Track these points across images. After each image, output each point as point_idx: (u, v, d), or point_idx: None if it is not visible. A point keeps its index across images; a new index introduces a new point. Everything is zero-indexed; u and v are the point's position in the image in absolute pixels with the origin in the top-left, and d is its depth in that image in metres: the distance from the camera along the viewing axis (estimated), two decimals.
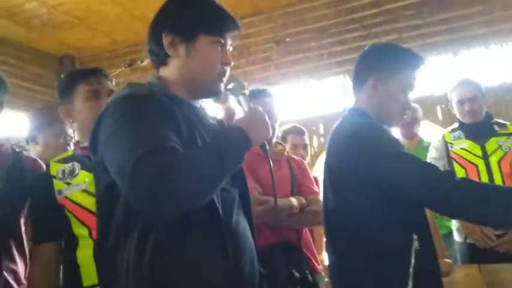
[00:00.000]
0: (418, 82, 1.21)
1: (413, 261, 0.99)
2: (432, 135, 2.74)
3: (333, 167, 1.14)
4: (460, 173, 2.05)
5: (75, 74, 1.44)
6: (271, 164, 1.04)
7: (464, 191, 0.97)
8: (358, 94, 1.22)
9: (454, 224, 2.16)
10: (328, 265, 1.18)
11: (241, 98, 1.03)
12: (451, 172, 1.02)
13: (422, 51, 3.98)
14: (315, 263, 1.62)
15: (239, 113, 1.05)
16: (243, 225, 0.94)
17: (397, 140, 1.14)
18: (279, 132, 2.56)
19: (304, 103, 4.32)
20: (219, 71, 0.98)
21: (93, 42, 4.70)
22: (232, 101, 1.10)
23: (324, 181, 1.19)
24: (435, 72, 3.98)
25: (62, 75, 1.44)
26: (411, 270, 0.98)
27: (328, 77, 4.26)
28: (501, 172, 1.96)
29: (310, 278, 1.44)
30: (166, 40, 0.95)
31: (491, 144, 2.03)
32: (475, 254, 1.99)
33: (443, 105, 3.64)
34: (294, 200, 1.54)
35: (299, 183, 1.67)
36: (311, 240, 1.69)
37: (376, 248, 1.03)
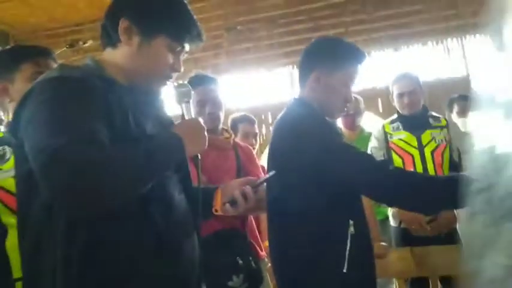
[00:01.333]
0: (360, 76, 1.26)
1: (349, 244, 1.04)
2: (373, 126, 2.88)
3: (277, 155, 1.17)
4: (397, 161, 2.18)
5: (21, 49, 1.31)
6: (201, 176, 1.03)
7: (398, 180, 1.04)
8: (303, 85, 1.25)
9: (390, 210, 2.30)
10: (269, 250, 1.21)
11: (184, 105, 1.01)
12: (387, 162, 1.08)
13: (367, 46, 4.15)
14: (259, 250, 1.65)
15: None
16: (184, 210, 0.93)
17: (338, 131, 1.18)
18: (228, 120, 2.57)
19: (253, 92, 4.35)
20: (165, 74, 0.94)
21: (30, 18, 4.36)
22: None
23: (268, 168, 1.22)
24: (378, 66, 4.17)
25: None
26: (347, 253, 1.04)
27: (277, 67, 4.31)
28: (434, 162, 2.11)
29: (253, 264, 1.47)
30: (122, 24, 0.90)
31: (426, 136, 2.16)
32: (407, 238, 2.13)
33: (384, 98, 3.83)
34: None
35: (246, 170, 1.69)
36: (255, 226, 1.72)
37: (315, 232, 1.07)
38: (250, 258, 1.49)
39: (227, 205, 1.00)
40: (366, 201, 2.27)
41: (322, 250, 1.06)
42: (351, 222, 1.07)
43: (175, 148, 0.85)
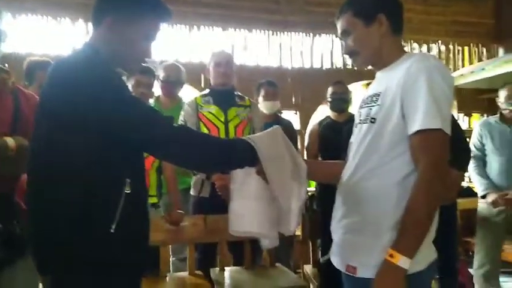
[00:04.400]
0: (159, 34, 1.18)
1: (122, 204, 0.98)
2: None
3: (49, 103, 1.00)
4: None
5: None
6: None
7: (178, 136, 1.02)
8: (96, 30, 1.11)
9: (192, 180, 2.37)
10: (29, 208, 1.04)
11: None
12: (171, 118, 1.05)
13: (196, 20, 4.16)
14: None
15: None
16: None
17: (125, 84, 1.09)
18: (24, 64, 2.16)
19: (57, 41, 3.84)
20: None
21: None
22: None
23: (36, 116, 1.04)
24: (206, 42, 4.23)
25: None
26: (118, 213, 0.98)
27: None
28: (235, 136, 2.28)
29: (18, 230, 1.27)
30: None
31: (232, 112, 2.32)
32: (203, 207, 2.24)
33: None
34: (10, 140, 1.31)
35: (25, 119, 1.43)
36: None
37: (87, 188, 0.96)
38: (15, 222, 1.27)
39: None
40: (168, 170, 2.31)
41: (91, 208, 0.96)
42: (128, 180, 1.01)
43: None
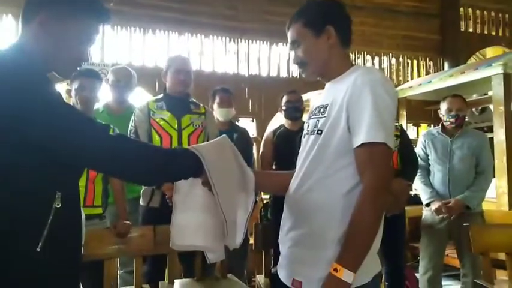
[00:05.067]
0: (98, 37, 1.10)
1: (50, 220, 0.90)
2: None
3: None
4: (156, 140, 2.17)
5: None
6: None
7: (114, 148, 0.94)
8: (26, 28, 1.01)
9: (142, 189, 2.27)
10: None
11: None
12: (107, 128, 0.97)
13: (152, 23, 4.05)
14: None
15: None
16: None
17: (55, 90, 1.00)
18: None
19: None
20: None
21: None
22: None
23: None
24: (161, 47, 4.13)
25: None
26: (46, 229, 0.89)
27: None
28: (189, 145, 2.20)
29: None
30: None
31: (186, 119, 2.24)
32: (152, 217, 2.15)
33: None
34: None
35: None
36: None
37: (4, 202, 0.87)
38: None
39: None
40: (116, 179, 2.19)
41: (12, 224, 0.87)
42: (58, 194, 0.92)
43: None
